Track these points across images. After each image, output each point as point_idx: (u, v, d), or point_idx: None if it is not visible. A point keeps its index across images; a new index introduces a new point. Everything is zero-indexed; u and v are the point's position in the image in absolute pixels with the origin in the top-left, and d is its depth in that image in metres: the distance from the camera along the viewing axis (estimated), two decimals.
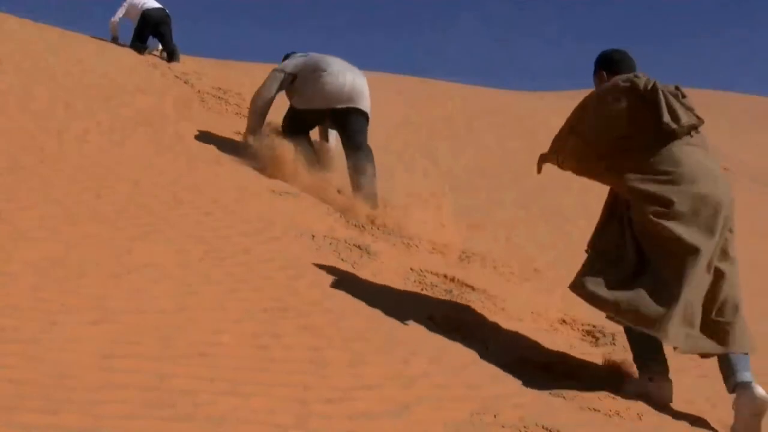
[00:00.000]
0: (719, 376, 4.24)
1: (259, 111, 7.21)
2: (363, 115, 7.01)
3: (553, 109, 16.30)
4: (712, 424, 4.19)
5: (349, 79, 6.98)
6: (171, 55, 10.56)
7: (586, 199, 9.89)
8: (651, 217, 3.99)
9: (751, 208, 11.32)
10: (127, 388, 3.02)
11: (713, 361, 4.33)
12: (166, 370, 3.21)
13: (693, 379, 4.88)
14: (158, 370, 3.19)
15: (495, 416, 3.55)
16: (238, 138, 7.61)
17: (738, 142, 16.38)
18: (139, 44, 10.67)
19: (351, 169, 6.85)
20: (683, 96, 4.23)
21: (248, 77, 10.12)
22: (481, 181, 10.07)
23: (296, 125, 7.09)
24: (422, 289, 5.30)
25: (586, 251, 4.38)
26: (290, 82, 7.17)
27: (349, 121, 6.93)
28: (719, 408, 4.37)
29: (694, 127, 4.19)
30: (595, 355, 4.93)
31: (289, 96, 7.28)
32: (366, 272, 5.27)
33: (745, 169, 14.04)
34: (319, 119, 7.19)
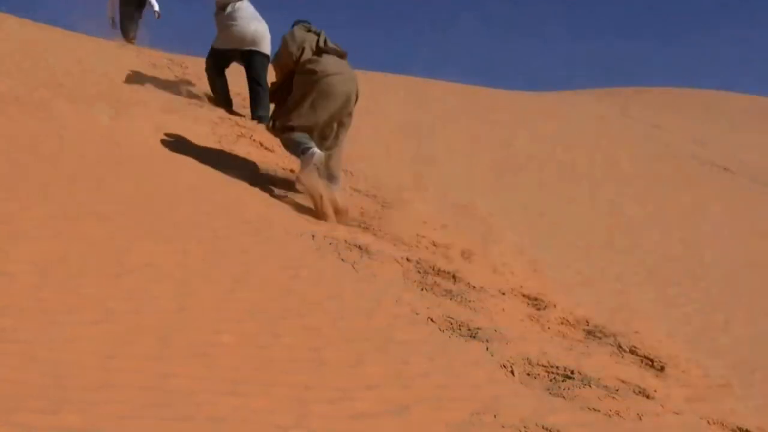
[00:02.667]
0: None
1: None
2: (265, 57, 8.27)
3: (551, 108, 16.33)
4: (712, 425, 4.19)
5: (253, 27, 8.26)
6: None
7: (585, 199, 9.90)
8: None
9: (751, 208, 11.31)
10: (127, 388, 3.02)
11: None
12: (166, 370, 3.21)
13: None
14: (158, 370, 3.19)
15: (495, 416, 3.55)
16: (239, 137, 7.61)
17: (738, 142, 16.38)
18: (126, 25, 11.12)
19: (252, 99, 8.33)
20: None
21: None
22: (482, 181, 10.06)
23: (215, 63, 8.46)
24: (422, 289, 5.29)
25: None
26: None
27: (253, 61, 8.23)
28: (720, 408, 4.38)
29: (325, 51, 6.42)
30: (595, 355, 4.93)
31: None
32: (366, 272, 5.27)
33: (745, 169, 14.04)
34: (231, 58, 8.41)
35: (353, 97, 6.51)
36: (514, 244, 7.44)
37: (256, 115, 8.23)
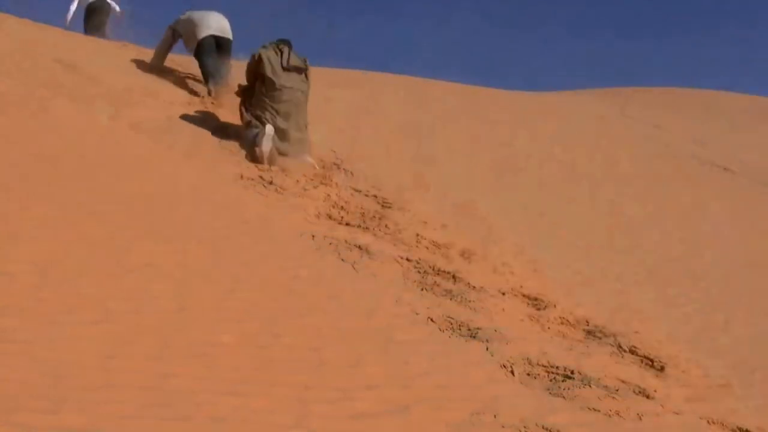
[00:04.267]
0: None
1: None
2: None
3: (546, 108, 16.32)
4: (712, 425, 4.19)
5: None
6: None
7: (585, 199, 9.89)
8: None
9: (751, 208, 11.31)
10: (127, 388, 3.02)
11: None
12: (166, 370, 3.21)
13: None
14: (158, 370, 3.19)
15: (495, 416, 3.55)
16: (240, 138, 7.62)
17: (738, 142, 16.37)
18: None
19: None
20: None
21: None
22: (482, 181, 10.06)
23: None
24: (422, 289, 5.29)
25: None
26: None
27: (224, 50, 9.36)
28: (720, 408, 4.38)
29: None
30: (595, 355, 4.93)
31: None
32: (366, 272, 5.27)
33: (745, 169, 14.03)
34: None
35: (303, 106, 8.04)
36: (514, 244, 7.44)
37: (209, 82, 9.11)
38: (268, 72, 7.85)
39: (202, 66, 9.15)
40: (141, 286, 3.95)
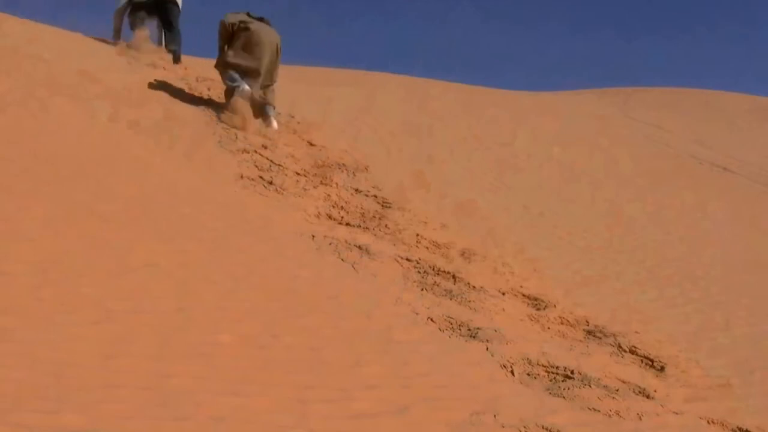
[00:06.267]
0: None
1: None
2: (174, 5, 10.01)
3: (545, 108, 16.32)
4: (712, 425, 4.19)
5: None
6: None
7: (585, 199, 9.89)
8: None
9: (751, 208, 11.31)
10: (127, 388, 3.02)
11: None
12: (165, 370, 3.21)
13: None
14: (158, 370, 3.19)
15: (495, 416, 3.55)
16: (239, 138, 7.62)
17: (738, 142, 16.37)
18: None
19: (165, 37, 10.17)
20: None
21: None
22: (482, 180, 10.06)
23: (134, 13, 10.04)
24: (422, 289, 5.29)
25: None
26: None
27: (165, 8, 9.99)
28: (720, 408, 4.38)
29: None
30: (595, 355, 4.93)
31: None
32: (366, 272, 5.27)
33: (745, 169, 14.04)
34: (148, 9, 9.99)
35: (276, 47, 8.72)
36: (514, 244, 7.44)
37: (169, 49, 9.95)
38: (236, 20, 8.58)
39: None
40: (141, 286, 3.95)
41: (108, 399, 2.93)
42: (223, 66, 8.52)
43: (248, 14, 8.80)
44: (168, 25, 10.09)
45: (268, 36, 8.67)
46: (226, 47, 8.61)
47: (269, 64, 8.63)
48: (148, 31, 10.10)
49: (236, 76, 8.40)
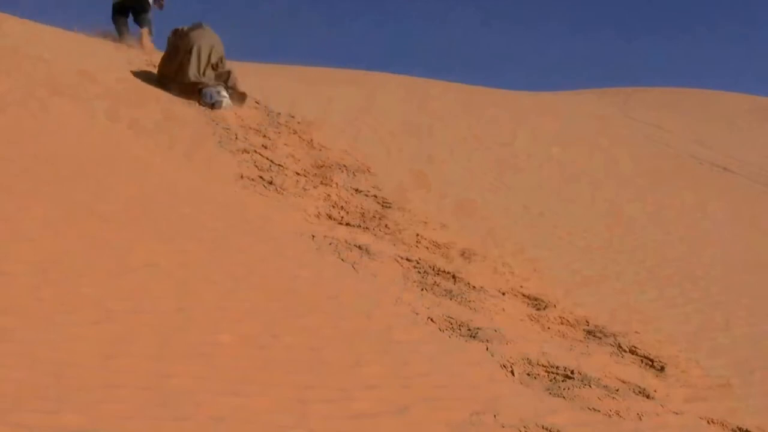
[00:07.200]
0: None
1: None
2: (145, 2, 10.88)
3: (544, 108, 16.32)
4: (712, 425, 4.19)
5: None
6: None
7: (586, 199, 9.89)
8: None
9: (751, 208, 11.31)
10: (127, 388, 3.02)
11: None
12: (165, 370, 3.21)
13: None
14: (158, 370, 3.19)
15: (495, 416, 3.55)
16: (239, 138, 7.62)
17: (738, 142, 16.37)
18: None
19: (135, 20, 10.99)
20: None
21: (255, 76, 10.10)
22: (482, 180, 10.06)
23: (118, 12, 10.90)
24: (422, 289, 5.29)
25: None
26: None
27: (137, 5, 10.86)
28: (720, 408, 4.38)
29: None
30: (595, 355, 4.93)
31: None
32: (366, 272, 5.27)
33: (745, 169, 14.03)
34: (125, 6, 10.88)
35: (219, 46, 9.44)
36: (514, 244, 7.44)
37: (142, 26, 10.73)
38: (176, 36, 9.36)
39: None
40: (141, 286, 3.95)
41: (108, 399, 2.93)
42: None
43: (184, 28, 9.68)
44: (137, 15, 10.89)
45: (202, 37, 9.41)
46: None
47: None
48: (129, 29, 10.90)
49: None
